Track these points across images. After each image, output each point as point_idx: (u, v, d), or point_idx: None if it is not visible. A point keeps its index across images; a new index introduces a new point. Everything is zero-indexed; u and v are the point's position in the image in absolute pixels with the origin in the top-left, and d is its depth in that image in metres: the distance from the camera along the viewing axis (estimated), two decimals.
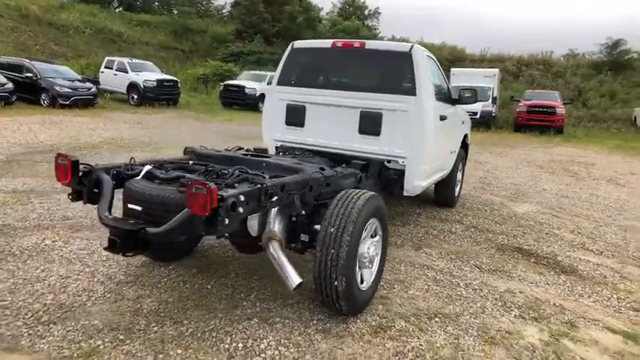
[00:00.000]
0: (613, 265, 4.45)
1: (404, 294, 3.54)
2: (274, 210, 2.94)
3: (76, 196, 2.97)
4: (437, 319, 3.17)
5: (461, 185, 6.50)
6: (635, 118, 19.45)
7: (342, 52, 4.73)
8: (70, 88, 15.39)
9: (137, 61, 18.96)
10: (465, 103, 5.42)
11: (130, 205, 2.69)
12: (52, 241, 4.15)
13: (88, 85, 16.17)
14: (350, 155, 4.60)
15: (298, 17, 30.25)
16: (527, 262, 4.41)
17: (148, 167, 2.97)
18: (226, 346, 2.73)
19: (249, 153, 3.96)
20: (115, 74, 18.09)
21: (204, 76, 23.84)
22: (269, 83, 20.16)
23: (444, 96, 5.10)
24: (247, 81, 19.48)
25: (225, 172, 2.98)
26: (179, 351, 2.66)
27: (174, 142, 10.21)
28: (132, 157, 3.32)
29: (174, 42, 30.70)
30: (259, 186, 2.64)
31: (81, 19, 27.15)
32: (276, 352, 2.69)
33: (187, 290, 3.40)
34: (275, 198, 2.77)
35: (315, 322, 3.05)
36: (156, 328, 2.88)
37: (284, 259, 2.76)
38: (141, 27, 30.68)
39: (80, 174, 2.87)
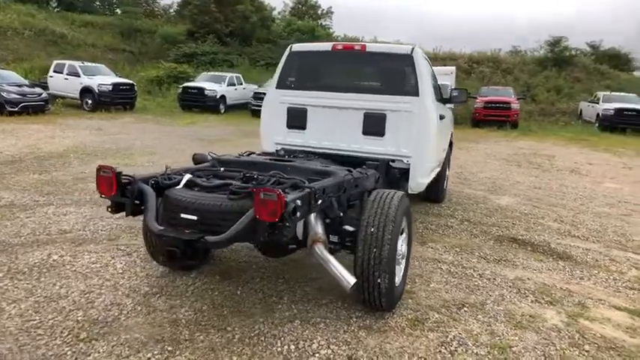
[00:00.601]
0: (600, 249, 4.83)
1: (426, 287, 3.70)
2: (313, 213, 3.00)
3: (115, 209, 2.89)
4: (465, 309, 3.35)
5: (447, 181, 6.78)
6: (581, 111, 20.84)
7: (343, 55, 4.83)
8: (19, 94, 14.49)
9: (89, 64, 18.10)
10: (455, 103, 5.67)
11: (183, 215, 2.65)
12: (60, 256, 3.98)
13: (38, 90, 15.29)
14: (355, 156, 4.71)
15: (252, 17, 29.97)
16: (525, 250, 4.70)
17: (188, 176, 2.94)
18: (278, 349, 2.77)
19: (272, 158, 3.98)
20: (66, 78, 17.19)
21: (158, 78, 23.11)
22: (230, 84, 20.05)
23: (439, 96, 5.32)
24: (207, 82, 19.13)
25: (263, 177, 3.00)
26: (234, 358, 2.67)
27: (143, 149, 9.93)
28: (167, 166, 3.26)
29: (122, 43, 29.53)
30: (309, 190, 2.70)
31: (19, 19, 25.53)
32: (329, 350, 2.76)
33: (218, 297, 3.39)
34: (320, 201, 2.83)
35: (354, 319, 3.14)
36: (202, 337, 2.87)
37: (334, 260, 2.82)
38: (85, 28, 29.29)
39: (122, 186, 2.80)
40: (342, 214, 3.19)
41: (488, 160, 10.50)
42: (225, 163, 3.54)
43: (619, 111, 17.57)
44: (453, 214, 5.90)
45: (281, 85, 5.01)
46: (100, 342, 2.77)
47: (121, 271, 3.76)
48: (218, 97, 18.74)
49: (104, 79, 16.98)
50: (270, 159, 3.80)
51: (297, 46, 5.02)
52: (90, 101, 16.74)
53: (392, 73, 4.71)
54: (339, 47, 4.80)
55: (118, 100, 17.15)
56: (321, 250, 2.86)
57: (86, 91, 16.72)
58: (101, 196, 2.85)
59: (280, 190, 2.32)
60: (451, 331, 3.02)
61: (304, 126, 4.93)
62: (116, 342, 2.78)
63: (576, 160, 11.07)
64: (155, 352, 2.70)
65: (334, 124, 4.79)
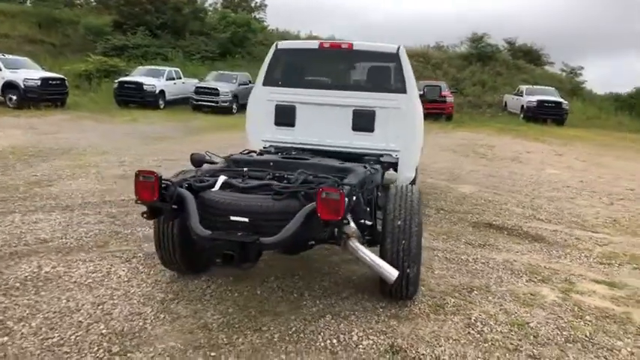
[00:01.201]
0: (564, 230, 5.35)
1: (432, 274, 3.92)
2: None
3: (151, 215, 2.77)
4: (475, 292, 3.60)
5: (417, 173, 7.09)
6: (506, 103, 22.47)
7: (330, 53, 4.90)
8: None
9: (11, 56, 16.53)
10: (428, 99, 5.95)
11: (233, 218, 2.61)
12: (52, 268, 3.72)
13: None
14: (344, 152, 4.82)
15: (184, 9, 28.88)
16: (502, 235, 5.09)
17: (223, 178, 2.88)
18: (321, 344, 2.83)
19: (285, 156, 3.97)
20: None
21: (86, 73, 21.60)
22: (169, 79, 19.26)
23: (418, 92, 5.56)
24: (144, 77, 18.24)
25: (292, 176, 3.03)
26: (282, 357, 2.70)
27: (92, 148, 9.36)
28: (198, 170, 3.17)
29: (40, 34, 27.20)
30: (349, 188, 2.77)
31: None
32: (370, 341, 2.87)
33: (240, 298, 3.37)
34: (354, 198, 2.92)
35: (380, 309, 3.27)
36: (240, 340, 2.86)
37: (372, 254, 2.91)
38: None
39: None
40: (368, 208, 3.30)
41: (436, 151, 11.06)
42: (242, 163, 3.50)
43: (540, 103, 19.19)
44: (427, 203, 6.20)
45: (268, 82, 4.99)
46: (137, 354, 2.67)
47: (126, 279, 3.60)
48: (157, 92, 17.98)
49: (30, 73, 15.63)
50: (283, 157, 3.81)
51: (283, 44, 5.02)
52: (14, 97, 15.34)
53: (379, 71, 4.86)
54: (326, 45, 4.87)
55: (48, 97, 15.89)
56: (356, 244, 2.94)
57: (9, 86, 15.30)
58: (137, 202, 2.72)
59: (341, 189, 2.38)
60: (472, 314, 3.25)
61: (293, 123, 4.96)
62: (154, 352, 2.69)
63: (514, 149, 11.99)
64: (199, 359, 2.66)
65: (324, 120, 4.86)
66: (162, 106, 18.44)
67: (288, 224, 2.53)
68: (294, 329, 2.98)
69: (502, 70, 27.54)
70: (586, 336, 3.02)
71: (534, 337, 2.99)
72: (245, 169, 3.22)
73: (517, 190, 7.26)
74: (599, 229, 5.41)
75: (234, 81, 19.37)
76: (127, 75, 18.96)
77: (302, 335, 2.91)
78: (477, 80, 25.39)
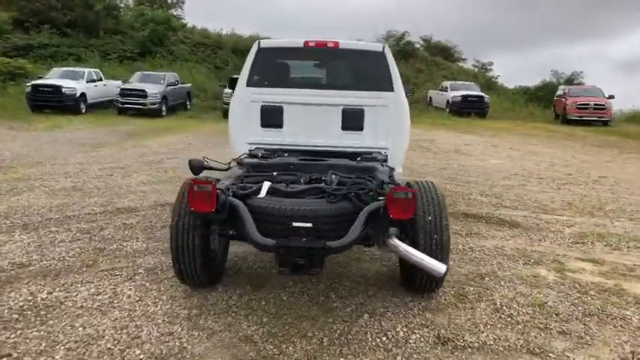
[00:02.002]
0: (532, 215, 5.80)
1: None
2: None
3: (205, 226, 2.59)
4: (487, 279, 3.80)
5: None
6: (430, 98, 23.71)
7: (316, 52, 4.88)
8: None
9: None
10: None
11: (295, 224, 2.51)
12: (48, 294, 3.35)
13: None
14: (334, 152, 4.83)
15: (95, 5, 26.90)
16: (481, 223, 5.41)
17: (268, 184, 2.75)
18: (373, 343, 2.84)
19: (303, 158, 3.87)
20: None
21: None
22: (90, 81, 17.87)
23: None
24: (62, 80, 16.75)
25: (326, 178, 3.00)
26: (343, 349, 2.68)
27: (20, 159, 8.48)
28: (242, 176, 2.98)
29: None
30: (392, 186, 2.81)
31: None
32: (417, 335, 2.92)
33: (269, 307, 3.26)
34: None
35: (411, 304, 3.34)
36: (291, 348, 2.78)
37: (415, 250, 2.95)
38: None
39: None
40: None
41: None
42: (263, 168, 3.38)
43: (465, 98, 20.51)
44: None
45: (251, 82, 4.85)
46: None
47: (137, 298, 3.33)
48: (78, 95, 16.60)
49: None
50: (302, 159, 3.73)
51: (265, 43, 4.91)
52: None
53: (366, 69, 4.93)
54: (312, 44, 4.83)
55: None
56: (397, 242, 2.97)
57: None
58: (195, 213, 2.52)
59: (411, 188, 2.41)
60: (495, 299, 3.43)
61: (281, 124, 4.87)
62: None
63: (452, 142, 12.72)
64: None
65: (312, 120, 4.83)
66: (83, 111, 17.08)
67: (353, 226, 2.51)
68: (338, 332, 2.95)
69: (422, 67, 29.06)
70: (598, 309, 3.32)
71: (556, 314, 3.23)
72: (274, 173, 3.12)
73: (473, 181, 7.72)
74: (560, 212, 5.93)
75: (162, 82, 18.44)
76: (40, 78, 17.30)
77: (350, 337, 2.89)
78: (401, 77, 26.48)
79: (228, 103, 18.58)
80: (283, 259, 2.43)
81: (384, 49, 4.82)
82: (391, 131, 4.85)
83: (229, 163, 4.24)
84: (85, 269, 3.81)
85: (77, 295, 3.35)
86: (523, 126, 18.72)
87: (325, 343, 2.83)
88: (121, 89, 17.49)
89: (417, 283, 3.29)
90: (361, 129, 4.84)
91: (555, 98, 22.81)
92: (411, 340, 2.87)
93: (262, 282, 3.65)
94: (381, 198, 2.77)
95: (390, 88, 4.79)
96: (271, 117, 4.84)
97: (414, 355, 2.71)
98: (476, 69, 33.04)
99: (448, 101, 21.13)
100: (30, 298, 3.27)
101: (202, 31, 31.22)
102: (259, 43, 4.89)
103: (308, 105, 4.81)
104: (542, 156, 10.86)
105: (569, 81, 27.91)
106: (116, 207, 5.61)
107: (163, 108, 17.98)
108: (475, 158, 10.03)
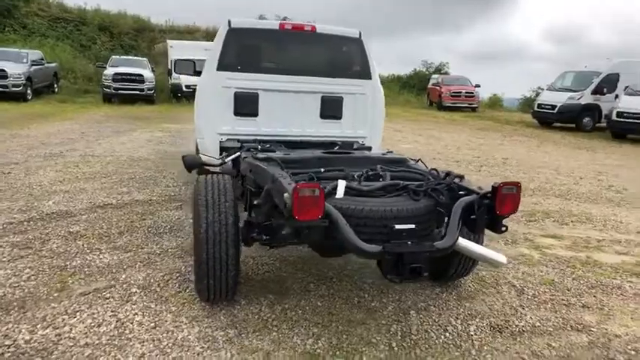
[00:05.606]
0: None
1: None
2: None
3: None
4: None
5: None
6: None
7: (291, 35, 4.54)
8: None
9: None
10: None
11: (398, 226, 2.25)
12: (30, 335, 2.61)
13: None
14: (312, 142, 4.61)
15: None
16: None
17: (343, 183, 2.43)
18: (437, 340, 2.76)
19: (330, 151, 3.54)
20: None
21: None
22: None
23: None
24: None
25: (378, 173, 2.82)
26: (417, 351, 2.57)
27: None
28: (311, 178, 2.57)
29: None
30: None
31: None
32: (473, 326, 2.93)
33: (309, 315, 2.97)
34: None
35: (443, 295, 3.33)
36: (365, 359, 2.57)
37: (474, 244, 2.90)
38: None
39: None
40: None
41: None
42: (291, 162, 3.01)
43: None
44: None
45: (223, 67, 4.34)
46: None
47: (153, 325, 2.78)
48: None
49: None
50: (331, 152, 3.44)
51: (237, 22, 4.41)
52: None
53: (344, 56, 4.74)
54: (288, 27, 4.49)
55: None
56: (460, 238, 2.90)
57: None
58: (298, 222, 2.09)
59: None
60: (510, 281, 3.60)
61: (256, 112, 4.47)
62: None
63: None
64: None
65: (290, 108, 4.53)
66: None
67: (450, 224, 2.39)
68: (400, 333, 2.82)
69: None
70: (596, 281, 3.69)
71: (568, 290, 3.51)
72: (322, 169, 2.81)
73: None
74: None
75: (25, 60, 15.71)
76: None
77: (413, 337, 2.78)
78: None
79: (108, 86, 17.00)
80: (392, 266, 2.20)
81: (360, 35, 4.68)
82: (369, 120, 4.76)
83: (222, 157, 3.77)
84: (56, 295, 3.06)
85: (71, 330, 2.67)
86: (410, 112, 20.10)
87: (395, 348, 2.67)
88: None
89: (451, 273, 3.29)
90: (340, 117, 4.67)
91: (430, 86, 24.89)
92: (470, 332, 2.86)
93: (280, 288, 3.33)
94: (461, 192, 2.69)
95: (368, 76, 4.69)
96: (245, 105, 4.40)
97: (485, 348, 2.71)
98: None
99: None
100: (8, 343, 2.51)
101: (59, 4, 27.29)
102: (230, 22, 4.37)
103: (285, 92, 4.48)
104: (445, 140, 11.78)
105: (437, 70, 30.64)
106: (43, 212, 4.63)
107: (29, 91, 15.39)
108: (385, 143, 10.43)
